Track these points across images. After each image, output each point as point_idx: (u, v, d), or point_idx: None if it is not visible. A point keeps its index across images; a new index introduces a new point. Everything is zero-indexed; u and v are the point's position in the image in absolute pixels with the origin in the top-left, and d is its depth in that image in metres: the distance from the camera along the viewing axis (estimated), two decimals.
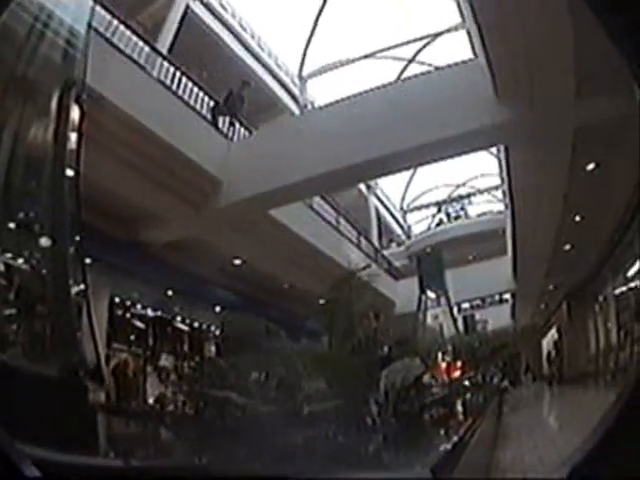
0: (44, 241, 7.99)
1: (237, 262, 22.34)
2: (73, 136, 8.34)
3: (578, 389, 29.10)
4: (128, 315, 21.26)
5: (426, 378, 13.48)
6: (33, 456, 2.51)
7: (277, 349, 13.81)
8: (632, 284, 23.50)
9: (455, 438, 8.65)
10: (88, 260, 8.30)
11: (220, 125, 19.76)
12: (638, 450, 2.19)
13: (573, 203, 19.16)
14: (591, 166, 17.21)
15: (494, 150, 25.96)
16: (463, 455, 7.33)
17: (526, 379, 40.87)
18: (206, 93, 19.75)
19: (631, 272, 23.25)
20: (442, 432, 12.10)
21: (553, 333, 38.45)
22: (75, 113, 8.36)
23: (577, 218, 20.80)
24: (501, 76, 14.02)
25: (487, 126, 15.46)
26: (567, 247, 23.79)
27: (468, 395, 18.97)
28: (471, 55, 15.85)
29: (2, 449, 2.51)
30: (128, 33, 16.94)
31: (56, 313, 7.49)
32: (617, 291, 25.37)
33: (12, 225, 8.05)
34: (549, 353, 38.93)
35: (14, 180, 7.62)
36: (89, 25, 9.86)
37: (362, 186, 35.23)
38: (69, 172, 8.10)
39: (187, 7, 23.12)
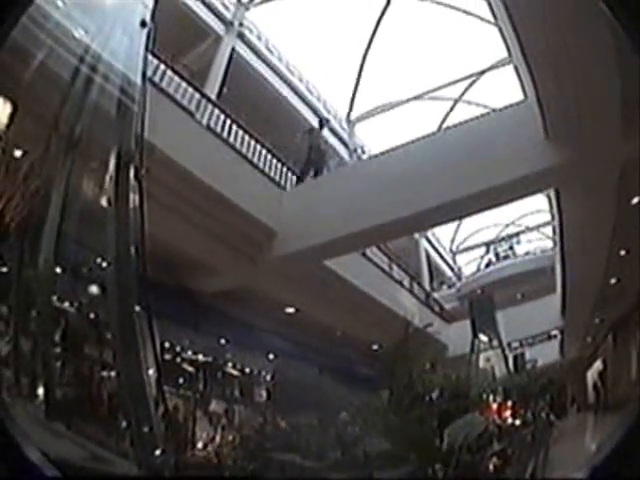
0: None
1: (290, 310, 22.21)
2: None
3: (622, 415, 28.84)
4: (178, 360, 21.25)
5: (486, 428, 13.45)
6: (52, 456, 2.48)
7: (334, 405, 13.79)
8: None
9: None
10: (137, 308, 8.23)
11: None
12: None
13: (618, 237, 19.00)
14: (636, 199, 17.05)
15: None
16: None
17: (572, 410, 40.71)
18: (257, 140, 19.65)
19: None
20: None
21: (598, 364, 38.27)
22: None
23: (622, 252, 20.64)
24: (551, 117, 13.91)
25: (540, 171, 15.32)
26: (613, 281, 23.61)
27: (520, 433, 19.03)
28: (517, 90, 15.79)
29: (22, 450, 2.47)
30: (176, 78, 17.01)
31: (133, 406, 7.46)
32: None
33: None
34: (595, 384, 38.75)
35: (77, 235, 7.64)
36: (144, 75, 9.75)
37: None
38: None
39: (233, 50, 23.18)
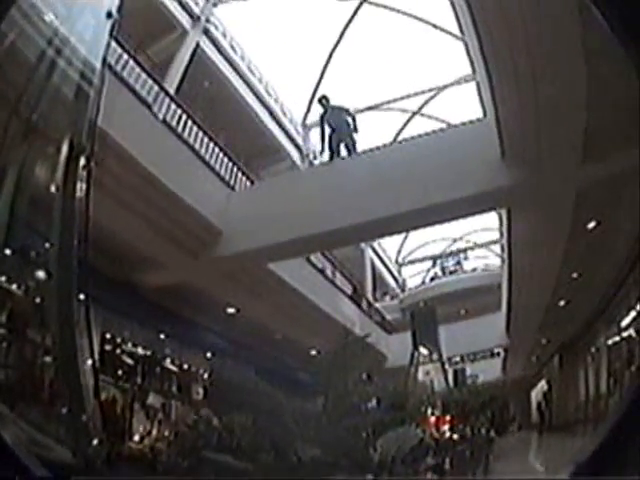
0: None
1: (231, 311, 22.16)
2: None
3: (566, 436, 29.08)
4: (118, 351, 21.10)
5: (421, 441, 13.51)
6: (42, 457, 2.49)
7: (270, 408, 13.73)
8: (625, 334, 23.44)
9: None
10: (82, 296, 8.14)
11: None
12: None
13: (571, 260, 19.17)
14: (592, 224, 17.18)
15: None
16: None
17: (512, 428, 40.96)
18: (210, 138, 19.59)
19: (625, 322, 23.13)
20: None
21: (543, 384, 38.50)
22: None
23: (574, 275, 20.76)
24: (509, 138, 14.03)
25: (492, 190, 15.45)
26: (562, 303, 23.73)
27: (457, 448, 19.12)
28: (477, 107, 15.89)
29: (13, 451, 2.47)
30: (137, 69, 16.81)
31: (68, 394, 7.42)
32: (610, 341, 25.31)
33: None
34: (539, 404, 38.99)
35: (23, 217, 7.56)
36: (104, 60, 9.59)
37: None
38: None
39: (197, 45, 23.08)
